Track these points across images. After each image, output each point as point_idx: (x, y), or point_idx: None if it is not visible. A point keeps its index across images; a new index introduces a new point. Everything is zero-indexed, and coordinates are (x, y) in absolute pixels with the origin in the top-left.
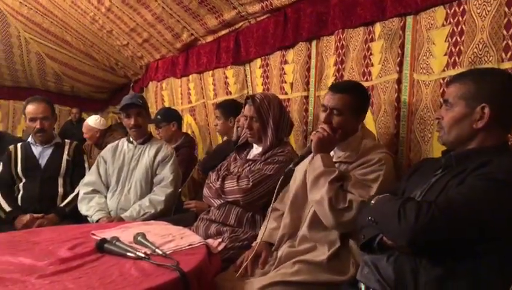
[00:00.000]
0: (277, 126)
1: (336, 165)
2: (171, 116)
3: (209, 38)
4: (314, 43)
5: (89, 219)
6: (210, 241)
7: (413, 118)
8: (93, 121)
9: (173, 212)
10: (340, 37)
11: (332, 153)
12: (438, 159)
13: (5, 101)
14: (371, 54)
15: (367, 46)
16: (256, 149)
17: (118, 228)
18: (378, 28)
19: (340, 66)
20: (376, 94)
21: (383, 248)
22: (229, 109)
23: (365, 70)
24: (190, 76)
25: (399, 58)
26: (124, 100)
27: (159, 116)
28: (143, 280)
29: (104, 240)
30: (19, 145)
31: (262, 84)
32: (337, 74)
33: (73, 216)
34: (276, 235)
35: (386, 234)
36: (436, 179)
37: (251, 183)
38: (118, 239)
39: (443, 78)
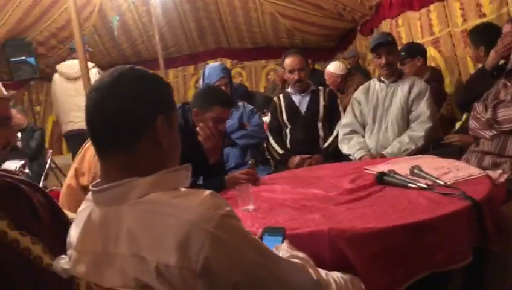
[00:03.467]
0: None
1: None
2: (415, 51)
3: None
4: None
5: (351, 157)
6: (490, 172)
7: None
8: (333, 67)
9: (431, 147)
10: None
11: None
12: None
13: (248, 62)
14: None
15: None
16: None
17: (386, 163)
18: None
19: None
20: None
21: None
22: (479, 34)
23: None
24: (431, 5)
25: None
26: (373, 40)
27: (402, 53)
28: (434, 208)
29: (382, 173)
30: (281, 96)
31: None
32: None
33: (335, 156)
34: None
35: None
36: None
37: None
38: (394, 172)
39: None
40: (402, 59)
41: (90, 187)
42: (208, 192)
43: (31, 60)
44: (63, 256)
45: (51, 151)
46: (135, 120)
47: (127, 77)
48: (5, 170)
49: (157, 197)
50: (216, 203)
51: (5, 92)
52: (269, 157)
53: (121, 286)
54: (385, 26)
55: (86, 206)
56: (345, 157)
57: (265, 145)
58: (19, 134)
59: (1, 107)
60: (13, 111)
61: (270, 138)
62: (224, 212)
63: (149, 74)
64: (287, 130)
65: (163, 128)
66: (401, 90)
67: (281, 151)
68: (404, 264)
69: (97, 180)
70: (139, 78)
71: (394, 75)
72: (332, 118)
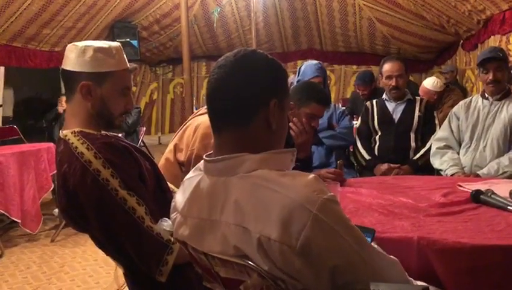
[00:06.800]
0: None
1: None
2: None
3: None
4: None
5: (442, 173)
6: None
7: None
8: (430, 83)
9: None
10: None
11: None
12: None
13: (338, 66)
14: None
15: None
16: None
17: (483, 182)
18: None
19: None
20: None
21: None
22: None
23: None
24: None
25: None
26: (482, 54)
27: None
28: None
29: (479, 192)
30: (374, 101)
31: None
32: None
33: (425, 169)
34: None
35: None
36: None
37: None
38: (492, 192)
39: None
40: (510, 78)
41: (204, 157)
42: (312, 176)
43: (135, 42)
44: (166, 219)
45: (144, 128)
46: (252, 99)
47: (250, 58)
48: (117, 136)
49: (265, 174)
50: (320, 188)
51: (128, 64)
52: (354, 161)
53: (219, 253)
54: (493, 42)
55: (195, 175)
56: (435, 172)
57: (351, 149)
58: None
59: (124, 77)
60: None
61: (358, 143)
62: (328, 196)
63: (270, 58)
64: (377, 137)
65: (274, 111)
66: (507, 109)
67: (367, 157)
68: (497, 288)
69: (210, 152)
70: (260, 61)
71: (500, 93)
72: (426, 130)
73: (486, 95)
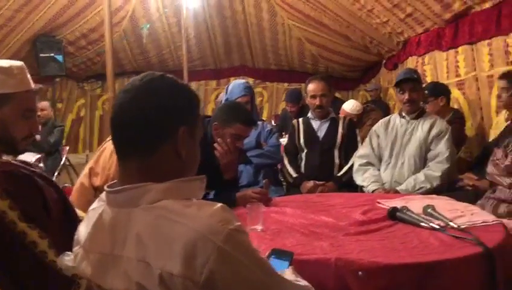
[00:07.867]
0: None
1: None
2: (439, 90)
3: (487, 5)
4: None
5: (364, 189)
6: (505, 221)
7: None
8: (349, 107)
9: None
10: None
11: None
12: None
13: (270, 83)
14: None
15: None
16: None
17: (400, 199)
18: None
19: None
20: None
21: None
22: None
23: None
24: (459, 48)
25: None
26: (399, 76)
27: (426, 91)
28: (445, 250)
29: (395, 209)
30: (300, 119)
31: None
32: None
33: (348, 185)
34: None
35: None
36: None
37: None
38: (407, 209)
39: None
40: (425, 97)
41: (105, 187)
42: (219, 205)
43: (59, 57)
44: (68, 253)
45: (67, 148)
46: (156, 127)
47: (156, 84)
48: (24, 162)
49: (169, 205)
50: (226, 217)
51: (32, 85)
52: (282, 179)
53: None
54: (411, 63)
55: (98, 206)
56: (358, 188)
57: (279, 167)
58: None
59: (27, 99)
60: (45, 104)
61: (285, 160)
62: (234, 227)
63: (178, 84)
64: (303, 154)
65: (184, 139)
66: (422, 127)
67: (294, 175)
68: None
69: (113, 181)
70: (167, 86)
71: (416, 112)
72: (349, 147)
73: (403, 114)
